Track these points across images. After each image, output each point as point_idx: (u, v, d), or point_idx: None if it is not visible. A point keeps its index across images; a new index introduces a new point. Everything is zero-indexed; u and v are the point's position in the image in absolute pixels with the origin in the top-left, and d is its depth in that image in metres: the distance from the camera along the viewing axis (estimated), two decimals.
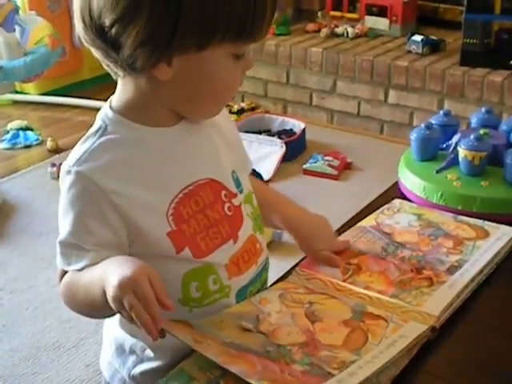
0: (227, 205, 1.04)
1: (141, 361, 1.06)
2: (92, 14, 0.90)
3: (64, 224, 0.97)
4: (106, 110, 1.00)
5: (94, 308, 0.97)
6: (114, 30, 0.89)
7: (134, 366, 1.07)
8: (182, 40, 0.89)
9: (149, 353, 1.05)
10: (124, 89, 0.98)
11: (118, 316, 1.05)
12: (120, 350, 1.09)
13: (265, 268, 1.13)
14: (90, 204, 0.95)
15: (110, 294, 0.87)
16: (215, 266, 1.02)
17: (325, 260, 1.15)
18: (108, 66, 0.95)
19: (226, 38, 0.91)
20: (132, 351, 1.07)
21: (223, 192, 1.04)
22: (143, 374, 1.06)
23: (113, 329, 1.11)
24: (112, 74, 0.97)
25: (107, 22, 0.89)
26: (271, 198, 1.23)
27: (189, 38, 0.89)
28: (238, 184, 1.08)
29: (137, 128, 0.98)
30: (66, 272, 0.99)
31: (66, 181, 0.96)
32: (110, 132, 0.97)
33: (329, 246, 1.17)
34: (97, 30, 0.91)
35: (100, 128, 0.98)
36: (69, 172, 0.95)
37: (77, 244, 0.96)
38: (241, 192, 1.08)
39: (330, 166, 3.27)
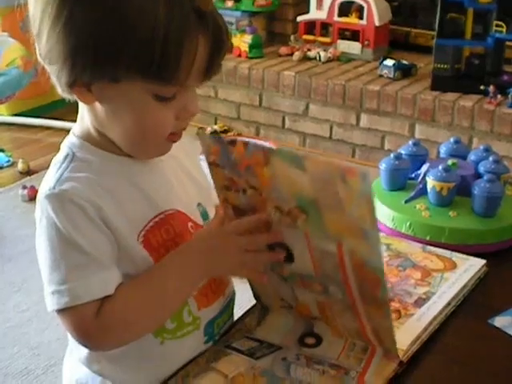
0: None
1: None
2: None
3: (66, 249, 0.92)
4: (70, 138, 1.00)
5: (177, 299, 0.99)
6: (36, 45, 0.92)
7: None
8: (85, 66, 0.88)
9: None
10: (80, 115, 0.99)
11: (81, 357, 1.04)
12: None
13: (232, 299, 1.13)
14: (83, 216, 0.92)
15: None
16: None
17: None
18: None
19: (133, 73, 0.88)
20: None
21: (189, 224, 1.04)
22: None
23: (74, 371, 1.09)
24: None
25: (34, 36, 0.92)
26: None
27: (91, 64, 0.88)
28: (204, 216, 1.08)
29: (102, 155, 0.97)
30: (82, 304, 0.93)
31: (49, 205, 0.92)
32: (78, 157, 0.97)
33: None
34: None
35: (68, 155, 0.98)
36: (51, 194, 0.93)
37: (94, 259, 0.92)
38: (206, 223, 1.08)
39: None
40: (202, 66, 0.90)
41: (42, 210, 0.94)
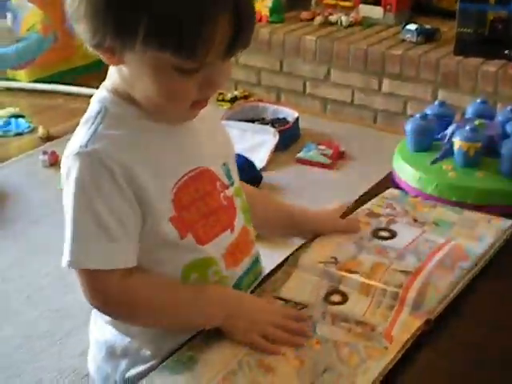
0: (222, 195, 1.04)
1: (135, 363, 1.05)
2: None
3: (83, 210, 0.93)
4: (101, 93, 0.99)
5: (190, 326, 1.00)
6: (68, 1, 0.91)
7: (128, 369, 1.05)
8: (106, 32, 0.88)
9: (145, 352, 1.04)
10: (111, 71, 0.98)
11: (107, 318, 1.05)
12: (111, 354, 1.07)
13: (257, 260, 1.13)
14: (110, 181, 0.92)
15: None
16: (214, 257, 1.02)
17: (343, 227, 1.20)
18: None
19: (150, 45, 0.86)
20: (124, 354, 1.05)
21: (218, 183, 1.04)
22: (138, 376, 1.03)
23: (101, 332, 1.09)
24: None
25: None
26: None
27: (112, 31, 0.87)
28: (229, 176, 1.07)
29: (134, 111, 0.97)
30: (90, 272, 0.94)
31: (76, 164, 0.92)
32: (111, 113, 0.97)
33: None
34: None
35: (100, 110, 0.97)
36: (81, 153, 0.92)
37: (106, 230, 0.93)
38: (232, 184, 1.08)
39: (323, 155, 3.26)
40: (225, 42, 0.88)
41: (69, 167, 0.94)
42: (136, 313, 0.99)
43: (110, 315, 1.02)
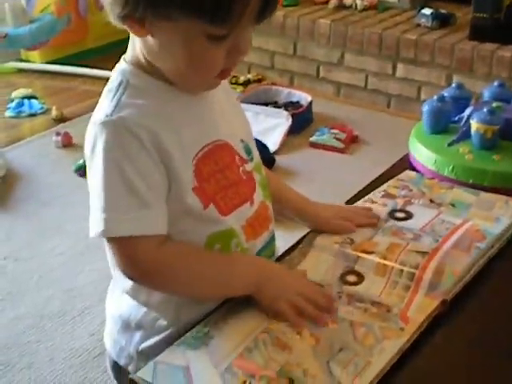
0: (241, 169, 1.05)
1: (149, 335, 1.05)
2: None
3: (114, 178, 0.92)
4: (122, 65, 0.99)
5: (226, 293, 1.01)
6: None
7: (142, 342, 1.06)
8: (139, 2, 0.87)
9: (160, 323, 1.04)
10: (132, 44, 0.98)
11: (126, 287, 1.05)
12: (126, 327, 1.08)
13: (274, 237, 1.13)
14: (138, 146, 0.92)
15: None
16: (235, 228, 1.03)
17: (336, 228, 1.16)
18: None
19: (187, 13, 0.86)
20: (139, 326, 1.06)
21: (237, 157, 1.04)
22: (151, 347, 1.04)
23: (117, 305, 1.10)
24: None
25: None
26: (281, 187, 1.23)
27: (145, 1, 0.87)
28: (248, 152, 1.08)
29: (155, 82, 0.97)
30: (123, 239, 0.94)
31: (103, 133, 0.92)
32: (132, 84, 0.97)
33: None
34: None
35: (122, 82, 0.97)
36: (108, 121, 0.92)
37: (138, 196, 0.93)
38: (251, 160, 1.08)
39: (336, 139, 3.25)
40: (257, 7, 0.88)
41: (95, 137, 0.93)
42: (172, 280, 0.99)
43: (144, 283, 1.00)
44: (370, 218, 1.19)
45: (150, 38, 0.92)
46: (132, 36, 0.97)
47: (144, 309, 1.05)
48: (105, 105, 0.95)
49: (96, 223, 0.94)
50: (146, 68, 0.97)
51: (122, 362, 1.09)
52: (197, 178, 0.98)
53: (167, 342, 0.96)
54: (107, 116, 0.93)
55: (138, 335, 1.06)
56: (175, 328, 1.02)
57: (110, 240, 0.95)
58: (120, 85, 0.97)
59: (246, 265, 1.02)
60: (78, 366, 2.01)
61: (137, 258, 0.95)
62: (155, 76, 0.97)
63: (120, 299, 1.08)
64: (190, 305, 1.02)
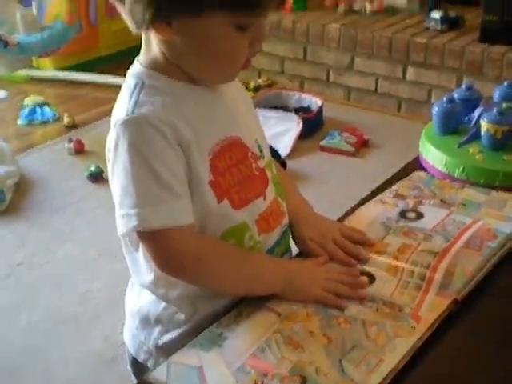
0: (254, 165, 1.06)
1: (167, 330, 1.07)
2: None
3: (142, 173, 0.94)
4: (136, 68, 1.01)
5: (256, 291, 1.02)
6: None
7: (161, 336, 1.07)
8: (172, 1, 0.90)
9: (178, 317, 1.05)
10: (146, 47, 1.00)
11: (145, 282, 1.07)
12: (145, 322, 1.09)
13: (287, 232, 1.14)
14: (162, 141, 0.94)
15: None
16: (248, 222, 1.04)
17: (311, 251, 1.13)
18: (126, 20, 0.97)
19: (223, 4, 0.90)
20: (157, 321, 1.07)
21: (249, 153, 1.06)
22: (170, 342, 1.06)
23: (136, 301, 1.11)
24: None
25: None
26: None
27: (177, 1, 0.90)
28: (260, 150, 1.10)
29: (171, 82, 0.99)
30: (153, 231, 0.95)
31: (128, 130, 0.94)
32: (148, 84, 0.99)
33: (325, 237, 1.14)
34: None
35: (137, 83, 0.99)
36: (129, 119, 0.94)
37: (168, 188, 0.94)
38: (263, 158, 1.10)
39: (347, 142, 3.26)
40: None
41: (118, 136, 0.95)
42: (207, 272, 1.00)
43: (180, 274, 1.01)
44: (350, 259, 1.10)
45: (175, 38, 0.94)
46: (147, 39, 0.99)
47: (163, 303, 1.06)
48: (123, 105, 0.97)
49: (127, 220, 0.95)
50: (162, 69, 0.99)
51: (141, 358, 1.11)
52: (212, 173, 0.99)
53: (185, 337, 0.98)
54: (128, 114, 0.95)
55: (156, 330, 1.08)
56: (192, 322, 1.04)
57: (144, 235, 0.96)
58: (136, 86, 0.99)
59: (270, 267, 1.05)
60: (92, 370, 2.02)
61: (175, 249, 0.97)
62: (171, 75, 0.99)
63: (139, 295, 1.10)
64: (206, 298, 1.04)
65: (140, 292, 1.10)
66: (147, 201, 0.94)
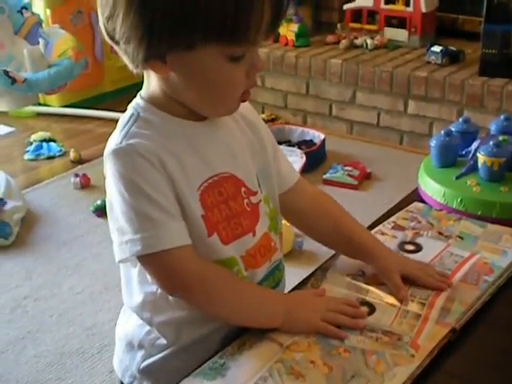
0: (246, 201, 1.07)
1: (150, 354, 1.09)
2: (100, 11, 0.97)
3: (138, 199, 0.97)
4: (136, 100, 1.04)
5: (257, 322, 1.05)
6: (107, 26, 0.96)
7: (143, 361, 1.09)
8: (161, 39, 0.93)
9: (161, 342, 1.07)
10: (147, 82, 1.03)
11: (133, 304, 1.09)
12: (129, 346, 1.12)
13: (278, 268, 1.15)
14: (151, 168, 0.97)
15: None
16: (235, 257, 1.06)
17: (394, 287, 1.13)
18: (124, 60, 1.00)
19: (210, 38, 0.92)
20: (140, 346, 1.09)
21: (243, 189, 1.08)
22: (153, 365, 1.08)
23: (124, 325, 1.14)
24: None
25: (103, 18, 0.97)
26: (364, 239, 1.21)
27: (168, 36, 0.92)
28: (258, 184, 1.11)
29: (165, 117, 1.02)
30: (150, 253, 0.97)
31: (118, 159, 0.97)
32: (142, 117, 1.02)
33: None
34: (103, 26, 0.98)
35: (133, 114, 1.02)
36: (118, 149, 0.97)
37: (164, 210, 0.97)
38: (260, 192, 1.11)
39: (349, 175, 3.29)
40: (268, 22, 0.94)
41: (110, 166, 0.98)
42: (211, 293, 1.02)
43: (185, 294, 1.02)
44: (438, 280, 1.13)
45: (171, 74, 0.98)
46: (148, 74, 1.02)
47: (147, 328, 1.09)
48: (115, 137, 1.01)
49: (131, 245, 0.97)
50: (160, 104, 1.02)
51: (126, 382, 1.13)
52: (203, 207, 1.02)
53: (168, 360, 1.02)
54: (117, 145, 0.98)
55: (139, 355, 1.10)
56: (175, 347, 1.06)
57: (147, 259, 0.99)
58: (131, 117, 1.02)
59: (273, 301, 1.07)
60: None
61: (178, 269, 0.99)
62: (169, 111, 1.02)
63: (128, 320, 1.12)
64: (191, 326, 1.06)
65: (129, 317, 1.12)
66: (148, 225, 0.97)
